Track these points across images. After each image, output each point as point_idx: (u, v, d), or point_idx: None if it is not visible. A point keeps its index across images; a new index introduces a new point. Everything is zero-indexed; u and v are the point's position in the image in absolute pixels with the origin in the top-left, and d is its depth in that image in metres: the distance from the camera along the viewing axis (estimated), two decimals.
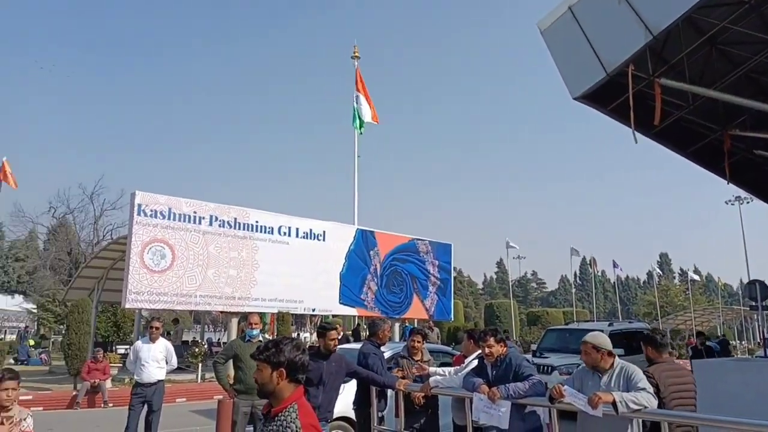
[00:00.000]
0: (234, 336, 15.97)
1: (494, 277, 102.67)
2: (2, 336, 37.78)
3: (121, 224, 34.16)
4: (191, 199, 16.07)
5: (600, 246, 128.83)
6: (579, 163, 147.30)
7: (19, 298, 41.56)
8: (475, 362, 5.33)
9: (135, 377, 7.54)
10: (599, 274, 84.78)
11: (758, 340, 37.45)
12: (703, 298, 56.00)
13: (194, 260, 15.58)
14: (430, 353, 6.64)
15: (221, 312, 20.62)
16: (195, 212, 15.88)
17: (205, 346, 19.99)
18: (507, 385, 4.20)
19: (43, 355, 23.92)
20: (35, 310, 35.10)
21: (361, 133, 21.23)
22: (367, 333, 6.36)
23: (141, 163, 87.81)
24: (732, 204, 36.79)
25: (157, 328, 7.59)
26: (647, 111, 5.66)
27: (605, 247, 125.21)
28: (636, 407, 3.60)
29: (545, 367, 11.44)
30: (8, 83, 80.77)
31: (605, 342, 4.05)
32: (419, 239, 21.93)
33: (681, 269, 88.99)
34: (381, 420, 5.61)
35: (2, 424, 3.52)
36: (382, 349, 6.04)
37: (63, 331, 26.99)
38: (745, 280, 34.37)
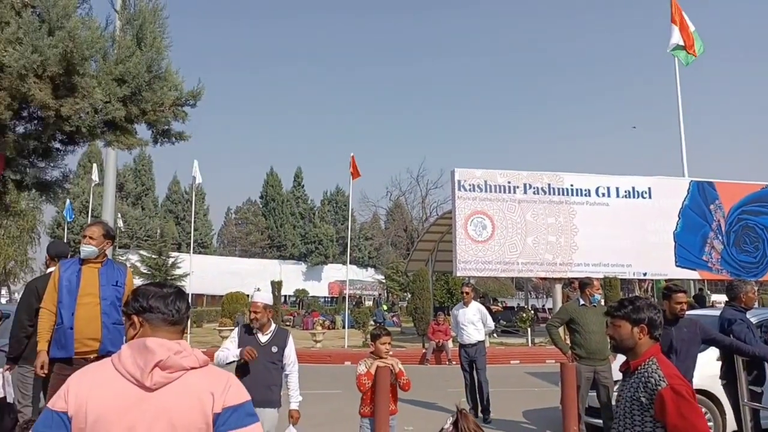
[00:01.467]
0: (559, 302, 15.90)
1: None
2: (363, 303, 46.15)
3: (444, 201, 37.58)
4: (505, 170, 16.53)
5: None
6: None
7: (371, 270, 50.00)
8: None
9: (458, 340, 8.20)
10: None
11: None
12: None
13: (513, 229, 16.02)
14: None
15: (542, 279, 20.78)
16: (509, 182, 16.29)
17: (532, 312, 20.48)
18: None
19: (395, 318, 28.21)
20: (384, 281, 41.63)
21: (687, 64, 18.11)
22: (726, 297, 5.47)
23: (455, 143, 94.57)
24: None
25: (468, 293, 8.09)
26: None
27: None
28: None
29: None
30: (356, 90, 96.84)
31: None
32: None
33: None
34: (758, 397, 4.78)
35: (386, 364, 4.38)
36: (748, 314, 5.13)
37: (407, 298, 31.30)
38: None
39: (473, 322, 7.88)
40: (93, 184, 29.45)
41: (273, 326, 4.35)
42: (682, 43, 17.93)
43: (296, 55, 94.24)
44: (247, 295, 27.01)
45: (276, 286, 16.99)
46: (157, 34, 4.96)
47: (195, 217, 30.84)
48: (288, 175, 60.06)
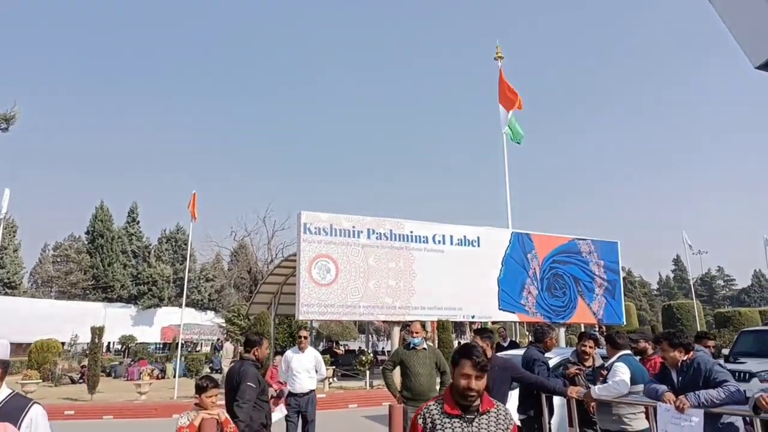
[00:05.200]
0: (396, 344, 16.46)
1: (671, 275, 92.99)
2: (200, 348, 43.22)
3: (290, 243, 37.26)
4: (350, 215, 17.00)
5: None
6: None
7: (210, 313, 47.28)
8: (621, 366, 4.81)
9: (288, 387, 7.47)
10: None
11: None
12: None
13: (356, 272, 16.42)
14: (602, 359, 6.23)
15: (383, 321, 21.42)
16: (354, 227, 16.77)
17: (371, 355, 20.87)
18: (698, 392, 3.77)
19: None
20: (224, 324, 39.66)
21: (518, 142, 20.69)
22: (533, 338, 6.14)
23: (300, 185, 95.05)
24: None
25: (305, 338, 7.57)
26: None
27: None
28: None
29: (742, 374, 10.08)
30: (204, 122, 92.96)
31: None
32: (580, 239, 20.75)
33: None
34: (551, 429, 5.37)
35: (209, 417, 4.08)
36: (548, 354, 5.80)
37: None
38: None
39: (308, 369, 7.41)
40: None
41: (6, 392, 2.65)
42: (510, 117, 20.41)
43: (138, 77, 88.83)
44: (63, 343, 23.87)
45: (96, 332, 15.26)
46: None
47: (2, 254, 26.80)
48: (121, 210, 55.29)
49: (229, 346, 25.10)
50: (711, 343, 7.01)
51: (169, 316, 44.30)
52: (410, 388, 6.32)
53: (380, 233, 17.11)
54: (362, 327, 43.90)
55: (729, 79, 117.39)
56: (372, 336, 39.69)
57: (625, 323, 21.16)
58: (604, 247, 21.07)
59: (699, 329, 25.46)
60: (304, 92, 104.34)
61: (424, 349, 6.62)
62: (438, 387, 6.57)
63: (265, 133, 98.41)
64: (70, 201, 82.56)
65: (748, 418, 3.70)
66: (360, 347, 32.41)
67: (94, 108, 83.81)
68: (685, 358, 4.07)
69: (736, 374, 9.81)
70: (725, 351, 13.82)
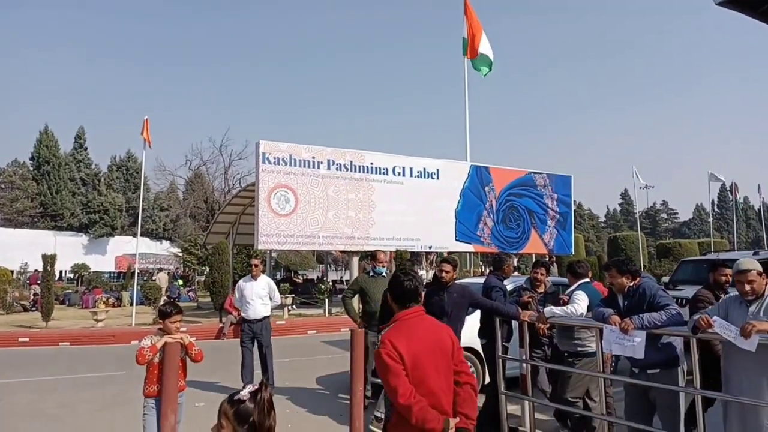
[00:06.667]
0: (356, 274, 16.79)
1: (618, 209, 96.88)
2: (156, 278, 42.90)
3: (248, 173, 36.66)
4: (310, 145, 16.73)
5: (745, 170, 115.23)
6: (719, 74, 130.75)
7: (166, 243, 46.61)
8: (580, 293, 5.19)
9: (242, 314, 7.66)
10: (741, 200, 76.75)
11: None
12: None
13: (315, 203, 16.39)
14: (553, 285, 6.56)
15: (342, 252, 21.70)
16: (314, 157, 16.56)
17: (330, 284, 21.27)
18: (641, 314, 4.03)
19: (190, 293, 26.88)
20: (180, 254, 39.26)
21: (484, 75, 20.36)
22: (492, 267, 6.43)
23: (260, 113, 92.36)
24: None
25: (257, 266, 7.65)
26: None
27: (751, 170, 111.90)
28: None
29: (680, 300, 10.80)
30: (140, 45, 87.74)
31: (760, 266, 3.73)
32: (536, 173, 21.19)
33: None
34: (506, 350, 5.69)
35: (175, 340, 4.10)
36: (506, 282, 6.06)
37: (206, 272, 30.05)
38: None
39: (261, 296, 7.49)
40: None
41: None
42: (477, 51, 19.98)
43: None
44: (12, 271, 23.23)
45: (48, 260, 14.88)
46: None
47: None
48: (67, 135, 52.63)
49: (162, 276, 24.88)
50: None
51: (123, 245, 43.51)
52: (370, 313, 6.55)
53: (340, 164, 16.98)
54: (320, 257, 44.37)
55: (683, 17, 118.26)
56: (330, 266, 40.28)
57: (573, 253, 22.14)
58: (558, 181, 21.63)
59: (642, 260, 26.92)
60: (264, 22, 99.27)
61: (383, 276, 6.83)
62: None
63: (222, 57, 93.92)
64: (9, 125, 77.91)
65: (686, 339, 4.00)
66: (318, 276, 32.93)
67: (33, 23, 77.70)
68: (631, 284, 4.31)
69: (676, 300, 10.51)
70: (665, 279, 14.71)
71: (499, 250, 19.16)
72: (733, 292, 3.96)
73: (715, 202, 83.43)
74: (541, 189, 21.10)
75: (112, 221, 44.73)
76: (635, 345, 3.97)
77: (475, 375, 6.60)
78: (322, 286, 18.49)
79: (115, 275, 40.90)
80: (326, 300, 17.61)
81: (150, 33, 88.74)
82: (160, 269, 32.79)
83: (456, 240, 18.86)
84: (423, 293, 2.90)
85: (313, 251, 36.78)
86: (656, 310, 4.04)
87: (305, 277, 30.97)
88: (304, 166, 16.40)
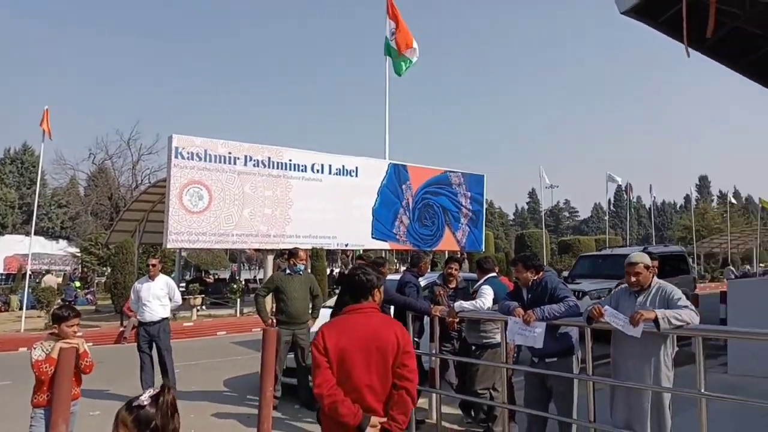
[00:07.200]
0: (270, 272, 16.47)
1: (526, 207, 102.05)
2: (42, 281, 39.81)
3: (158, 168, 34.86)
4: (226, 141, 16.19)
5: (639, 172, 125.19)
6: (619, 87, 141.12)
7: (63, 242, 43.37)
8: (486, 288, 5.45)
9: (138, 317, 7.32)
10: (634, 200, 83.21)
11: None
12: (742, 220, 54.53)
13: (230, 200, 15.89)
14: (464, 281, 6.80)
15: (256, 250, 21.19)
16: (230, 153, 16.05)
17: (242, 283, 20.74)
18: (542, 306, 4.27)
19: (89, 296, 25.14)
20: (79, 254, 36.66)
21: (400, 75, 20.03)
22: (409, 264, 6.63)
23: (174, 107, 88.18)
24: None
25: (154, 266, 7.34)
26: (699, 23, 5.26)
27: (644, 172, 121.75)
28: (678, 323, 3.59)
29: (577, 293, 11.55)
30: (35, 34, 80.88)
31: (649, 260, 4.07)
32: (452, 171, 21.78)
33: (720, 192, 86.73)
34: (417, 345, 5.82)
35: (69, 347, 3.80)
36: (420, 279, 6.21)
37: (106, 273, 28.29)
38: None
39: (159, 297, 7.14)
40: None
41: None
42: (395, 47, 19.85)
43: None
44: None
45: None
46: None
47: None
48: None
49: (51, 278, 23.07)
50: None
51: (14, 244, 39.97)
52: (286, 311, 6.50)
53: (258, 160, 16.58)
54: (233, 256, 43.12)
55: (596, 12, 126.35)
56: (244, 264, 39.27)
57: (484, 250, 23.02)
58: (472, 180, 22.36)
59: (546, 256, 28.52)
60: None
61: (299, 274, 6.78)
62: (310, 311, 6.82)
63: (130, 45, 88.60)
64: None
65: (582, 329, 4.29)
66: (231, 275, 32.00)
67: None
68: (535, 278, 4.55)
69: (574, 293, 11.23)
70: (565, 273, 15.65)
71: (413, 247, 19.54)
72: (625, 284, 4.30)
73: (612, 201, 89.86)
74: (455, 187, 21.72)
75: (2, 219, 41.10)
76: (536, 335, 4.21)
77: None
78: (234, 286, 18.00)
79: (4, 277, 37.54)
80: (238, 300, 17.15)
81: (56, 10, 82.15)
82: (48, 271, 30.31)
83: (372, 237, 19.00)
84: (380, 291, 2.87)
85: (226, 250, 35.70)
86: (556, 302, 4.30)
87: (217, 277, 30.00)
88: (220, 162, 15.85)
